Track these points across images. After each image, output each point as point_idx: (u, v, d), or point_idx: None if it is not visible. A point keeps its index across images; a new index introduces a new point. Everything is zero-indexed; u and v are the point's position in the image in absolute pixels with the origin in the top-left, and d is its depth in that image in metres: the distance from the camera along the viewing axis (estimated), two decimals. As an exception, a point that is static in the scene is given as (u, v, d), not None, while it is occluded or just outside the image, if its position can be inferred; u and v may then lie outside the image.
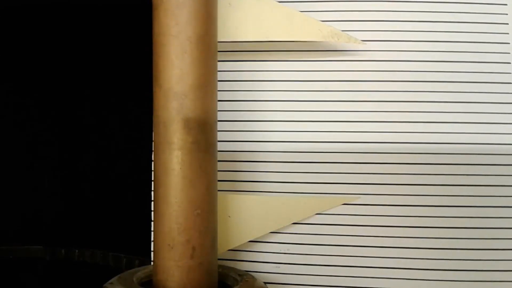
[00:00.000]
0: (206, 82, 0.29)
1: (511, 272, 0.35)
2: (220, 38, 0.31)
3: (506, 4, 0.36)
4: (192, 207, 0.28)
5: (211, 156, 0.29)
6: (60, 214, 0.48)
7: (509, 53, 0.36)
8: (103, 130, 0.48)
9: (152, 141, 0.36)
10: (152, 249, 0.35)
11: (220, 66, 0.31)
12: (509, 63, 0.36)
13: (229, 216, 0.35)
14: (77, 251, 0.47)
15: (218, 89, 0.30)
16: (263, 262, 0.36)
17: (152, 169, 0.36)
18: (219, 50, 0.30)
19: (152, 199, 0.34)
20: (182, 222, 0.28)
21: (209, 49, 0.29)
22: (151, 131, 0.36)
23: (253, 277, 0.31)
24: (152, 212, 0.34)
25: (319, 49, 0.37)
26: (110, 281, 0.30)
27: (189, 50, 0.28)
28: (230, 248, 0.35)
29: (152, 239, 0.35)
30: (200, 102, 0.28)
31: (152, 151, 0.36)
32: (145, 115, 0.37)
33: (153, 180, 0.30)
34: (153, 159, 0.35)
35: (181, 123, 0.28)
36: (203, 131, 0.29)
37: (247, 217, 0.35)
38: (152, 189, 0.36)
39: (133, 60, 0.46)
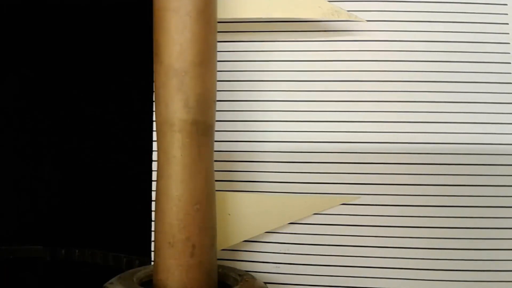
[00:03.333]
0: (206, 59, 0.29)
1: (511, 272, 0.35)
2: (220, 15, 0.31)
3: (506, 4, 0.36)
4: (192, 201, 0.28)
5: (209, 139, 0.29)
6: (60, 214, 0.48)
7: (509, 53, 0.36)
8: (102, 127, 0.48)
9: (152, 139, 0.36)
10: (152, 249, 0.35)
11: (220, 66, 0.31)
12: (509, 63, 0.36)
13: (229, 214, 0.35)
14: (77, 251, 0.47)
15: (218, 89, 0.30)
16: (263, 262, 0.36)
17: (153, 166, 0.36)
18: (218, 50, 0.30)
19: (153, 198, 0.34)
20: (182, 218, 0.28)
21: (208, 24, 0.29)
22: (152, 127, 0.36)
23: (253, 277, 0.31)
24: (153, 212, 0.34)
25: (319, 49, 0.37)
26: (110, 281, 0.30)
27: (189, 25, 0.28)
28: (229, 246, 0.35)
29: (152, 238, 0.35)
30: (200, 79, 0.28)
31: (152, 150, 0.36)
32: (147, 112, 0.37)
33: (156, 170, 0.30)
34: (155, 146, 0.35)
35: (181, 101, 0.28)
36: (202, 110, 0.29)
37: (246, 215, 0.35)
38: (153, 188, 0.36)
39: (134, 50, 0.46)
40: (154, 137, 0.36)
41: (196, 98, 0.28)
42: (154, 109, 0.30)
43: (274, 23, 0.37)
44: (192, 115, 0.28)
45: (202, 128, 0.29)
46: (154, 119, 0.30)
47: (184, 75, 0.28)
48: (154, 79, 0.29)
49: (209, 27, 0.29)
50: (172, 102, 0.28)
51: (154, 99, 0.30)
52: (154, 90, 0.29)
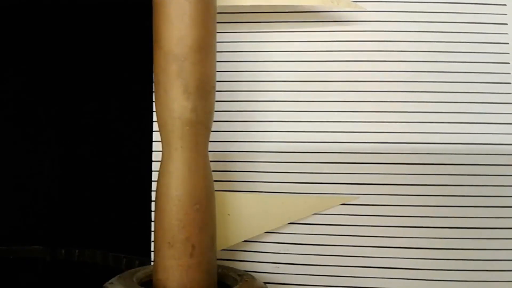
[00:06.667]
0: (205, 44, 0.29)
1: (511, 272, 0.35)
2: (219, 2, 0.31)
3: (505, 5, 0.36)
4: (191, 201, 0.28)
5: (207, 130, 0.29)
6: (60, 214, 0.48)
7: (508, 53, 0.36)
8: (102, 124, 0.48)
9: (152, 139, 0.36)
10: (152, 249, 0.35)
11: (219, 66, 0.32)
12: (509, 63, 0.36)
13: (229, 215, 0.35)
14: (77, 251, 0.47)
15: (217, 89, 0.30)
16: (262, 262, 0.36)
17: (153, 166, 0.36)
18: (218, 50, 0.30)
19: (153, 198, 0.34)
20: (182, 218, 0.28)
21: (208, 10, 0.29)
22: (152, 126, 0.36)
23: (252, 277, 0.31)
24: (153, 212, 0.34)
25: (318, 50, 0.37)
26: (110, 281, 0.30)
27: (188, 10, 0.28)
28: (229, 246, 0.35)
29: (152, 239, 0.36)
30: (199, 65, 0.28)
31: (152, 151, 0.36)
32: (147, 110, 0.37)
33: (159, 163, 0.30)
34: (154, 146, 0.35)
35: (181, 87, 0.28)
36: (201, 96, 0.29)
37: (246, 215, 0.35)
38: (153, 188, 0.36)
39: (134, 46, 0.46)
40: (154, 137, 0.36)
41: (195, 84, 0.28)
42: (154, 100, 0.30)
43: (273, 14, 0.37)
44: (191, 101, 0.28)
45: (202, 114, 0.29)
46: (154, 109, 0.30)
47: (183, 61, 0.28)
48: (153, 66, 0.29)
49: (209, 13, 0.29)
50: (172, 88, 0.28)
51: (153, 87, 0.29)
52: (153, 77, 0.29)
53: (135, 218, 0.44)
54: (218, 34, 0.30)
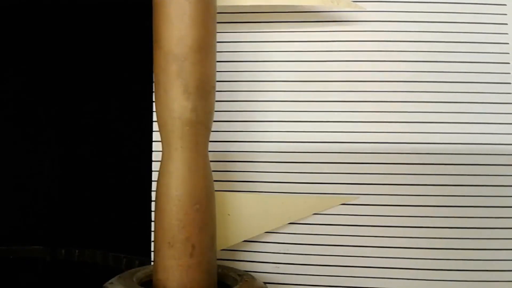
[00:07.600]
0: (205, 44, 0.29)
1: (511, 272, 0.35)
2: (219, 2, 0.31)
3: (505, 5, 0.36)
4: (191, 201, 0.28)
5: (207, 130, 0.29)
6: (60, 214, 0.48)
7: (508, 53, 0.36)
8: (102, 124, 0.48)
9: (152, 139, 0.36)
10: (152, 249, 0.35)
11: (219, 66, 0.32)
12: (509, 63, 0.36)
13: (229, 215, 0.35)
14: (77, 251, 0.47)
15: (217, 89, 0.30)
16: (262, 262, 0.36)
17: (153, 166, 0.36)
18: (218, 50, 0.30)
19: (153, 198, 0.34)
20: (182, 218, 0.28)
21: (208, 10, 0.29)
22: (152, 126, 0.36)
23: (252, 277, 0.31)
24: (153, 212, 0.34)
25: (318, 50, 0.37)
26: (110, 281, 0.30)
27: (188, 10, 0.28)
28: (229, 246, 0.35)
29: (152, 239, 0.36)
30: (199, 65, 0.28)
31: (152, 151, 0.36)
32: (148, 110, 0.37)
33: (159, 164, 0.30)
34: (154, 146, 0.35)
35: (181, 87, 0.28)
36: (201, 96, 0.29)
37: (246, 215, 0.35)
38: (153, 188, 0.36)
39: (134, 46, 0.46)
40: (154, 137, 0.36)
41: (195, 84, 0.28)
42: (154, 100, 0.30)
43: (273, 14, 0.37)
44: (191, 101, 0.28)
45: (202, 114, 0.29)
46: (154, 109, 0.30)
47: (183, 61, 0.28)
48: (153, 66, 0.29)
49: (209, 13, 0.29)
50: (172, 88, 0.28)
51: (153, 87, 0.30)
52: (153, 77, 0.29)
53: (135, 218, 0.44)
54: (218, 34, 0.30)
